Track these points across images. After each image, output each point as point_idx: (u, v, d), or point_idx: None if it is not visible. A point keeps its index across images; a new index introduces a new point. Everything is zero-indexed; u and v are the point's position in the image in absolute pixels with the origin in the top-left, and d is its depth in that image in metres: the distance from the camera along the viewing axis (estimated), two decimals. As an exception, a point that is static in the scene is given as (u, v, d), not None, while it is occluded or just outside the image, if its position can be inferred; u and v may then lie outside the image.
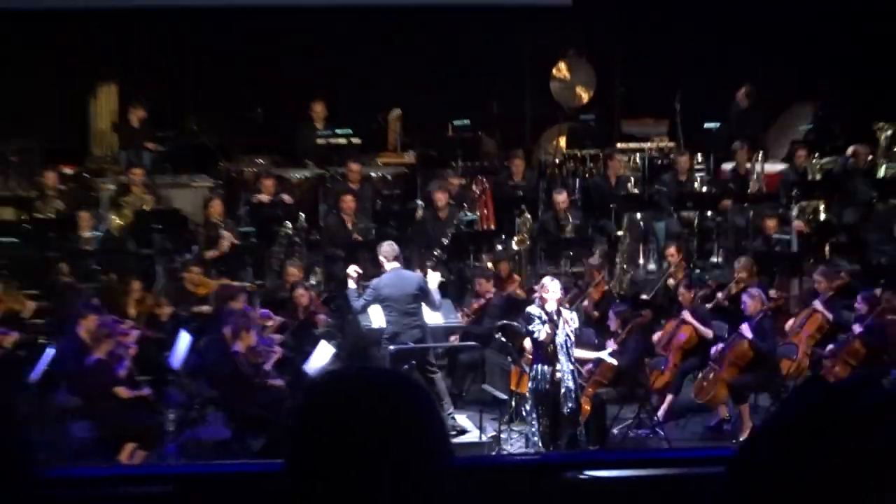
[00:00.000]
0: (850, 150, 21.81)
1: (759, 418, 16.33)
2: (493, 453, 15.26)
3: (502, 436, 15.84)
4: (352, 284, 16.41)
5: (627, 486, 5.20)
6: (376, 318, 16.29)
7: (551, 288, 15.32)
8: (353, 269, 16.52)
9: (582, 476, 5.12)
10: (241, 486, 4.63)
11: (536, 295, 15.63)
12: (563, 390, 15.13)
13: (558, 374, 15.13)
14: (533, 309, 15.36)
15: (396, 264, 16.36)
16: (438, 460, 2.51)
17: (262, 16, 23.34)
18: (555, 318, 15.11)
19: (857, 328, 16.74)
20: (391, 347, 15.81)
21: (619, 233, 20.57)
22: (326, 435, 2.47)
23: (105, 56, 22.76)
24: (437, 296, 16.33)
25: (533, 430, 15.48)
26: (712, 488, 4.98)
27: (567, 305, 15.71)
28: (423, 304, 16.15)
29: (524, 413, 15.78)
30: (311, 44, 22.73)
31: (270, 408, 15.70)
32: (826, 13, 22.67)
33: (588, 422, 15.82)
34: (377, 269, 16.94)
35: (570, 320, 15.29)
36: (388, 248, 16.55)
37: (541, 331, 15.11)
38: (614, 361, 16.01)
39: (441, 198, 20.14)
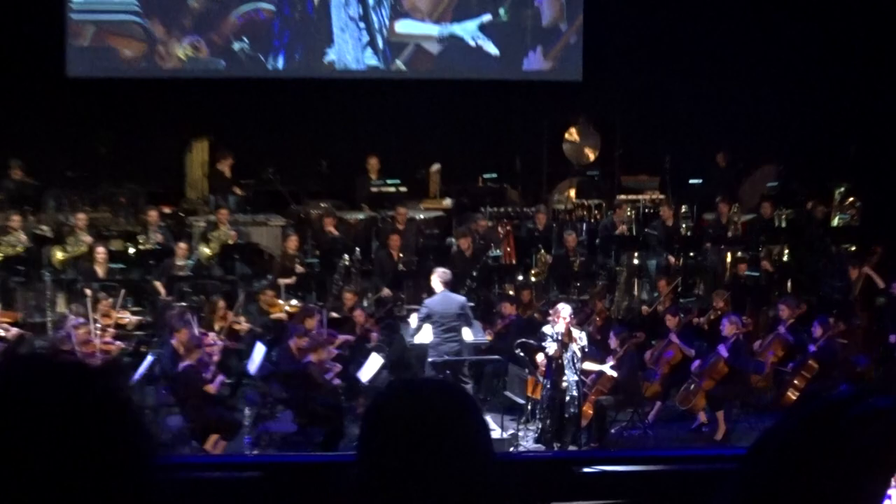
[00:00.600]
0: (809, 203, 21.82)
1: (731, 423, 16.38)
2: (512, 449, 15.27)
3: (520, 434, 15.87)
4: (413, 322, 16.49)
5: (624, 479, 5.23)
6: (418, 336, 16.32)
7: (563, 312, 15.38)
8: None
9: (586, 470, 5.15)
10: (316, 473, 4.67)
11: (550, 318, 15.67)
12: (567, 397, 15.17)
13: (564, 384, 15.16)
14: (547, 329, 15.43)
15: (445, 288, 16.37)
16: (484, 454, 2.54)
17: (328, 85, 23.43)
18: (562, 337, 15.17)
19: (812, 348, 16.77)
20: (429, 359, 15.86)
21: (618, 268, 20.59)
22: (393, 433, 2.50)
23: (198, 117, 22.86)
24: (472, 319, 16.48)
25: (537, 427, 15.57)
26: (696, 481, 5.00)
27: (577, 326, 15.74)
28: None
29: (537, 415, 15.83)
30: (367, 110, 22.80)
31: (330, 407, 15.76)
32: (791, 90, 22.69)
33: (591, 423, 15.86)
34: (419, 295, 16.98)
35: (579, 339, 15.33)
36: (442, 274, 16.53)
37: (551, 347, 15.18)
38: (614, 374, 16.01)
39: (464, 242, 20.15)
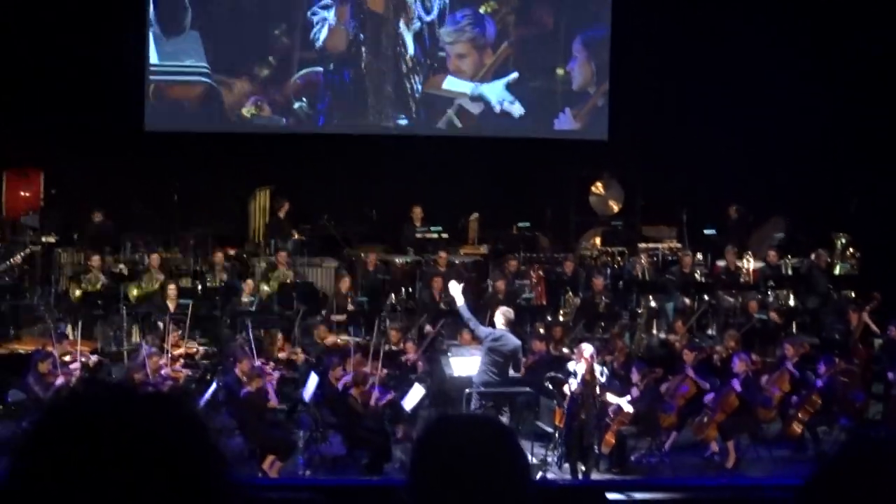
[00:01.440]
0: (813, 253, 21.70)
1: (741, 452, 16.21)
2: (541, 473, 15.15)
3: (548, 459, 15.72)
4: (460, 301, 16.03)
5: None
6: (458, 368, 16.20)
7: (585, 352, 15.28)
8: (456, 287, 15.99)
9: (615, 497, 5.05)
10: (365, 496, 4.59)
11: (574, 356, 15.58)
12: (587, 428, 15.10)
13: (583, 416, 15.07)
14: (571, 365, 15.34)
15: (507, 328, 16.08)
16: (522, 482, 2.58)
17: (377, 141, 23.50)
18: (585, 374, 15.10)
19: (818, 384, 16.65)
20: (466, 390, 15.73)
21: (639, 310, 20.44)
22: (442, 462, 2.54)
23: (260, 168, 22.98)
24: (521, 362, 16.23)
25: (560, 453, 15.45)
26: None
27: (598, 363, 15.60)
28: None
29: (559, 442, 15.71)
30: (413, 164, 22.83)
31: (375, 432, 15.68)
32: (796, 150, 22.67)
33: (612, 451, 15.74)
34: (458, 331, 16.86)
35: (599, 374, 15.25)
36: (506, 312, 16.16)
37: (573, 383, 15.11)
38: (631, 409, 15.84)
39: (500, 284, 20.06)
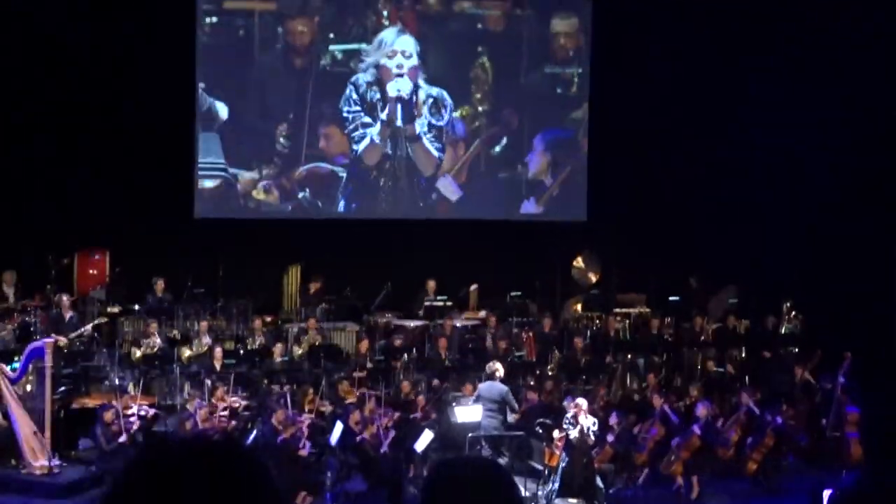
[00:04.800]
0: (763, 316, 21.84)
1: (702, 486, 16.25)
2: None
3: (538, 493, 15.78)
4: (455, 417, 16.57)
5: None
6: (461, 416, 16.31)
7: (581, 405, 15.62)
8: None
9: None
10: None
11: (575, 409, 15.79)
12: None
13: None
14: (569, 415, 15.62)
15: (493, 379, 16.47)
16: None
17: (396, 226, 23.67)
18: (578, 422, 15.35)
19: (772, 427, 16.81)
20: (469, 434, 15.81)
21: (615, 365, 20.52)
22: (446, 497, 2.59)
23: (293, 249, 23.10)
24: (514, 404, 16.54)
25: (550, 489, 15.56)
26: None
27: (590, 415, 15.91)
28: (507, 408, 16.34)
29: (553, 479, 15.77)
30: (424, 246, 23.00)
31: (392, 471, 15.75)
32: (748, 228, 22.87)
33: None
34: (461, 384, 16.94)
35: (592, 424, 15.53)
36: (491, 367, 16.76)
37: (571, 430, 15.34)
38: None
39: (502, 344, 20.28)
